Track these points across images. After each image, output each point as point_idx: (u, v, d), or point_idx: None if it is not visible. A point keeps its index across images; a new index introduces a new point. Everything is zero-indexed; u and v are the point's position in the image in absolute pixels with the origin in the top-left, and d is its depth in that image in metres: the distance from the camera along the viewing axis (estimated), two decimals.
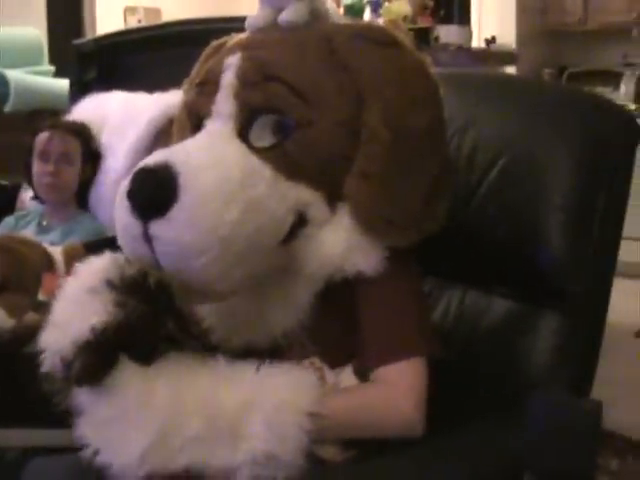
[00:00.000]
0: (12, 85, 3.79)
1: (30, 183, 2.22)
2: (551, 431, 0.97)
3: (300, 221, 1.10)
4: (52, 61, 4.52)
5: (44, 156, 2.16)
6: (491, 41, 5.31)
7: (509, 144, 1.27)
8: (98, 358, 1.00)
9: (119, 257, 1.07)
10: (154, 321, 1.03)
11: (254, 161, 1.08)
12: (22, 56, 4.21)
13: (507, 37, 5.33)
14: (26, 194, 2.34)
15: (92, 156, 2.24)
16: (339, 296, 1.12)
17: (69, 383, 1.02)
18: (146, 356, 1.02)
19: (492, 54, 5.08)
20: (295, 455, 1.00)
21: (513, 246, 1.24)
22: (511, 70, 5.02)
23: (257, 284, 1.12)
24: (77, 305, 1.03)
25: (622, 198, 1.23)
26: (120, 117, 2.34)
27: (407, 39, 1.16)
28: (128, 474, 1.00)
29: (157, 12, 6.61)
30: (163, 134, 2.09)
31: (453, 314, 1.32)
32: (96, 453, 1.02)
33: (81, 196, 2.23)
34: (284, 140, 1.09)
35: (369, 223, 1.09)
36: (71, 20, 6.33)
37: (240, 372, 1.04)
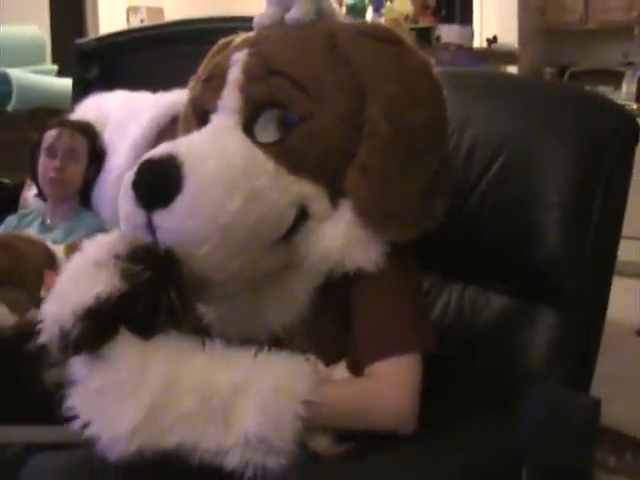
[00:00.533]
0: (14, 84, 3.79)
1: (34, 179, 2.23)
2: (548, 425, 0.98)
3: (302, 215, 1.11)
4: (55, 60, 4.52)
5: (51, 152, 2.17)
6: (493, 41, 5.30)
7: (507, 142, 1.28)
8: (98, 324, 0.99)
9: (127, 233, 1.08)
10: (157, 287, 1.02)
11: (257, 154, 1.09)
12: (25, 55, 4.20)
13: (509, 36, 5.32)
14: (29, 192, 2.35)
15: (97, 155, 2.25)
16: (336, 293, 1.13)
17: (66, 353, 1.01)
18: (146, 329, 1.02)
19: (493, 53, 5.07)
20: (288, 441, 0.99)
21: (511, 243, 1.25)
22: (512, 69, 5.02)
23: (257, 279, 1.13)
24: (82, 277, 1.03)
25: (621, 197, 1.24)
26: (122, 116, 2.35)
27: (410, 39, 1.17)
28: (117, 448, 0.99)
29: (160, 11, 6.62)
30: (165, 133, 2.09)
31: (452, 310, 1.33)
32: (85, 426, 1.00)
33: (84, 194, 2.24)
34: (287, 135, 1.11)
35: (368, 216, 1.10)
36: (74, 19, 6.36)
37: (238, 356, 1.04)
